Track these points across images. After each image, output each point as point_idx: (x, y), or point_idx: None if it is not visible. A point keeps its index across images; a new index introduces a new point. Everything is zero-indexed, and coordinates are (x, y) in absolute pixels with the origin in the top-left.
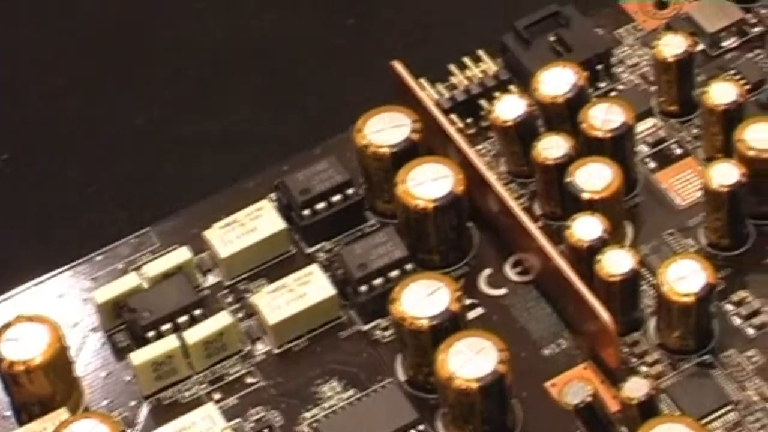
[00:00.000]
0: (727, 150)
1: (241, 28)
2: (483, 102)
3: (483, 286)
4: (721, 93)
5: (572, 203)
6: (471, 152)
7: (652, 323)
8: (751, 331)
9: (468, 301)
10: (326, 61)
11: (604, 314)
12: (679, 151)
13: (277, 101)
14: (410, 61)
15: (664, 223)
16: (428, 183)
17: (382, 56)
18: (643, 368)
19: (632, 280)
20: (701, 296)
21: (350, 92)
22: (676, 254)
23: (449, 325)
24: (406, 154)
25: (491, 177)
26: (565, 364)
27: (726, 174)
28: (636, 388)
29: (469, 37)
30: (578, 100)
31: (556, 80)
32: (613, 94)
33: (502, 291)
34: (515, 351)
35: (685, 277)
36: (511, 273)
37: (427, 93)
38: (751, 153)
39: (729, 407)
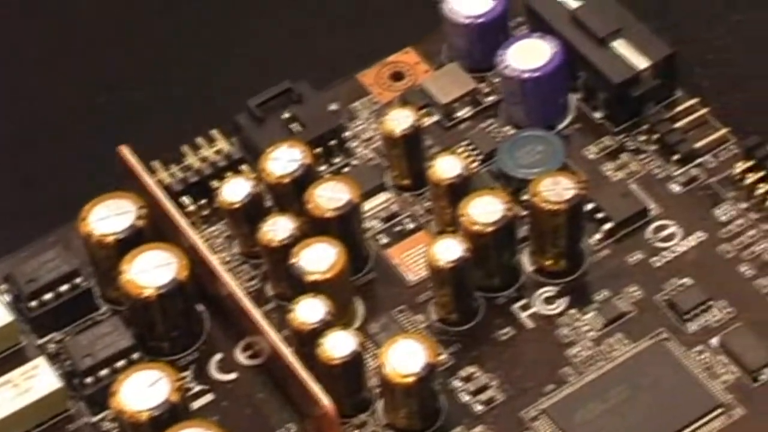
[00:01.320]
0: (456, 224)
1: None
2: (215, 183)
3: (213, 372)
4: (446, 167)
5: (298, 285)
6: (195, 237)
7: (380, 404)
8: (479, 407)
9: (198, 388)
10: (56, 146)
11: (324, 399)
12: (411, 226)
13: (13, 185)
14: (143, 143)
15: (395, 300)
16: (152, 270)
17: (112, 140)
18: None
19: (354, 362)
20: (421, 376)
21: (77, 177)
22: (399, 334)
23: (169, 417)
24: (131, 241)
25: (215, 261)
26: None
27: (449, 249)
28: None
29: (205, 116)
30: (305, 179)
31: (283, 159)
32: (347, 169)
33: (233, 376)
34: None
35: (406, 357)
36: (241, 357)
37: (159, 176)
38: (475, 227)
39: None
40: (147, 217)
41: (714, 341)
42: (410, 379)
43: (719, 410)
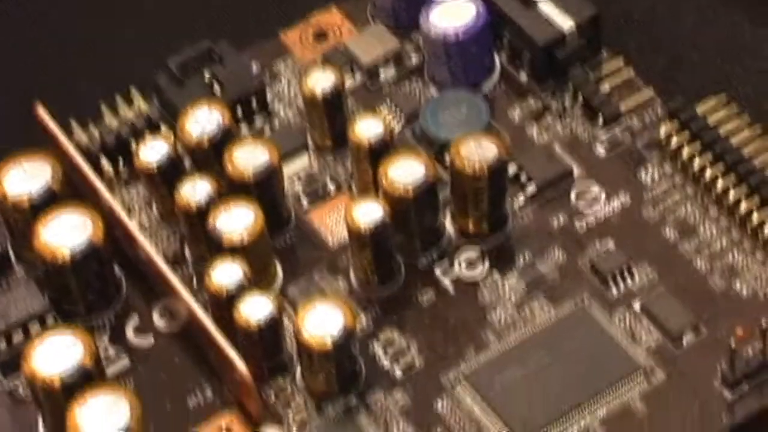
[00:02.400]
0: (378, 186)
1: None
2: (134, 144)
3: (130, 336)
4: (367, 128)
5: (216, 248)
6: (112, 199)
7: (298, 368)
8: (398, 372)
9: (113, 353)
10: None
11: (241, 365)
12: (333, 188)
13: None
14: (59, 101)
15: (315, 264)
16: (66, 232)
17: (27, 96)
18: (289, 414)
19: (272, 327)
20: (339, 341)
21: None
22: (316, 298)
23: (82, 382)
24: (46, 202)
25: (131, 224)
26: (211, 414)
27: (369, 212)
28: None
29: (124, 75)
30: (224, 141)
31: (202, 120)
32: (268, 131)
33: (149, 340)
34: (160, 402)
35: (323, 321)
36: (158, 321)
37: (76, 136)
38: (396, 190)
39: None
40: (62, 178)
41: (636, 306)
42: (327, 344)
43: (641, 374)
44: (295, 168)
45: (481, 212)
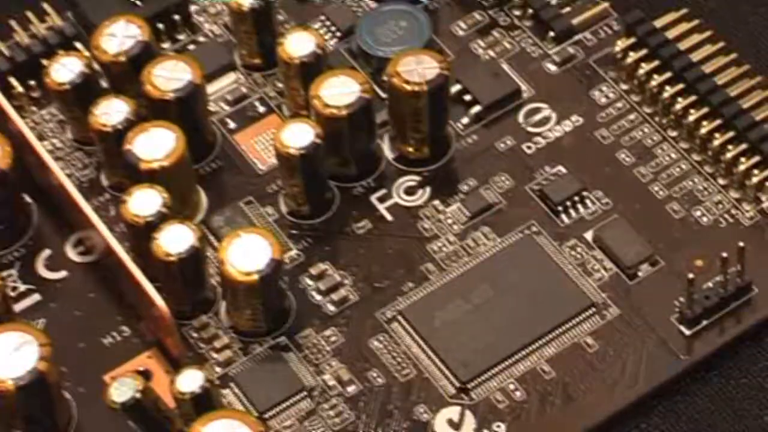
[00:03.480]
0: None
1: None
2: (47, 62)
3: (41, 269)
4: (298, 44)
5: (134, 174)
6: (20, 122)
7: (223, 305)
8: (331, 308)
9: (23, 287)
10: None
11: (159, 300)
12: (262, 109)
13: None
14: None
15: (242, 191)
16: None
17: None
18: (212, 354)
19: (193, 259)
20: (265, 274)
21: None
22: (242, 228)
23: None
24: None
25: (42, 149)
26: (128, 353)
27: (299, 135)
28: (189, 380)
29: None
30: (143, 58)
31: (119, 35)
32: (192, 47)
33: (62, 274)
34: (73, 341)
35: (248, 253)
36: (72, 253)
37: None
38: (328, 110)
39: (302, 395)
40: None
41: (588, 235)
42: (253, 277)
43: (592, 310)
44: (221, 87)
45: (421, 135)
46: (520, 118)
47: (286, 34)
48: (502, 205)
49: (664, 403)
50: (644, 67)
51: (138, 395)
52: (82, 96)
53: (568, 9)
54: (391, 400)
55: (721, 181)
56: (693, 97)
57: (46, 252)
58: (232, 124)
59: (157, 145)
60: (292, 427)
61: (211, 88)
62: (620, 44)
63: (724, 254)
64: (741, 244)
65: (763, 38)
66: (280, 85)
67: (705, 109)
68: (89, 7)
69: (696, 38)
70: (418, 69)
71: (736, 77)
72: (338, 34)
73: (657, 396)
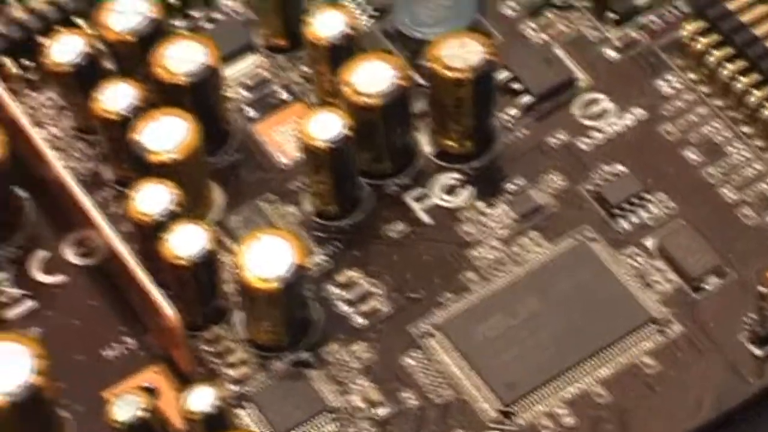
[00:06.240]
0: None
1: None
2: (45, 40)
3: (35, 273)
4: (327, 23)
5: (141, 167)
6: (15, 107)
7: (239, 314)
8: (359, 321)
9: (16, 292)
10: None
11: (168, 309)
12: (285, 96)
13: None
14: None
15: (262, 187)
16: None
17: None
18: (226, 370)
19: (206, 263)
20: (287, 282)
21: None
22: (262, 229)
23: None
24: None
25: (38, 138)
26: (132, 368)
27: (328, 125)
28: (200, 398)
29: None
30: (153, 37)
31: (127, 11)
32: (208, 25)
33: (60, 278)
34: (71, 353)
35: (268, 258)
36: (70, 255)
37: None
38: (360, 98)
39: (326, 416)
40: None
41: (649, 242)
42: (273, 285)
43: (651, 326)
44: (239, 71)
45: (463, 127)
46: (575, 109)
47: (314, 12)
48: (553, 207)
49: None
50: (715, 55)
51: (143, 414)
52: (84, 79)
53: None
54: (426, 424)
55: None
56: None
57: (42, 253)
58: (251, 113)
59: (167, 134)
60: None
61: (229, 72)
62: (689, 28)
63: None
64: None
65: None
66: (306, 69)
67: None
68: None
69: None
70: (461, 53)
71: None
72: (373, 12)
73: (723, 424)
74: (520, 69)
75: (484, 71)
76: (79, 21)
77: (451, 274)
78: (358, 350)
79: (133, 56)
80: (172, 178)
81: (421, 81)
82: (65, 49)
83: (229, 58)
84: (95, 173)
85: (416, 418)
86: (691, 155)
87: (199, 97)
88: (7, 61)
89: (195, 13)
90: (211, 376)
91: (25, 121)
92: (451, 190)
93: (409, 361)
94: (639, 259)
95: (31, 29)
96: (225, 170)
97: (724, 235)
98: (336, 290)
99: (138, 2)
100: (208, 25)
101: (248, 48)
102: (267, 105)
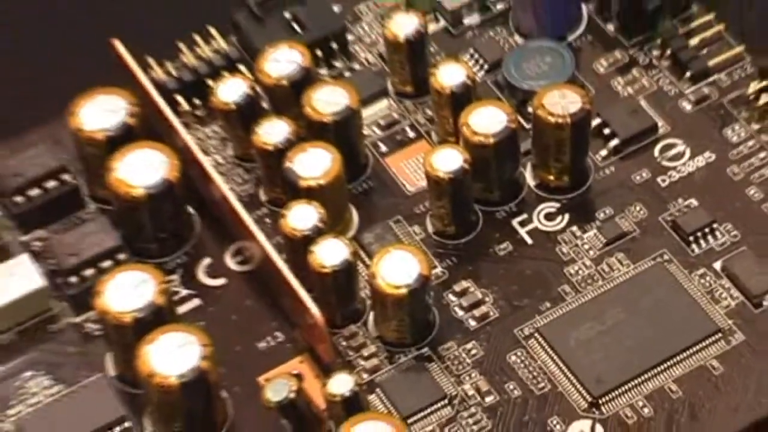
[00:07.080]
0: (457, 134)
1: None
2: (212, 83)
3: (201, 276)
4: (449, 74)
5: (292, 190)
6: (188, 137)
7: (371, 315)
8: (472, 323)
9: (185, 292)
10: (42, 37)
11: (314, 309)
12: (412, 134)
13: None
14: (136, 37)
15: (391, 210)
16: (142, 169)
17: (103, 32)
18: (360, 361)
19: (346, 271)
20: (413, 288)
21: (67, 71)
22: (393, 244)
23: (154, 319)
24: (122, 138)
25: (207, 163)
26: (281, 357)
27: (449, 160)
28: (340, 384)
29: (202, 14)
30: (304, 82)
31: (282, 60)
32: (348, 74)
33: (221, 281)
34: (230, 344)
35: (398, 268)
36: (231, 262)
37: (153, 73)
38: (476, 138)
39: (443, 402)
40: (139, 115)
41: (717, 265)
42: (401, 291)
43: (718, 335)
44: (374, 113)
45: (562, 164)
46: (656, 152)
47: (438, 65)
48: (636, 233)
49: None
50: None
51: (293, 395)
52: (245, 116)
53: (704, 51)
54: (527, 412)
55: None
56: None
57: (207, 260)
58: (383, 148)
59: (314, 164)
60: None
61: (366, 113)
62: (753, 86)
63: None
64: None
65: None
66: (429, 112)
67: None
68: (253, 32)
69: None
70: (562, 102)
71: None
72: (486, 66)
73: None
74: (610, 117)
75: (581, 118)
76: (242, 67)
77: (550, 287)
78: (470, 348)
79: (286, 98)
80: (318, 200)
81: (526, 125)
82: (230, 90)
83: (366, 101)
84: (251, 194)
85: (518, 406)
86: (754, 192)
87: (341, 133)
88: (180, 99)
89: (338, 64)
90: (347, 366)
91: (196, 149)
92: (550, 217)
93: (513, 358)
94: (708, 278)
95: (200, 73)
96: (361, 195)
97: None
98: (452, 298)
99: (291, 53)
100: (348, 74)
101: (382, 93)
102: (396, 141)
